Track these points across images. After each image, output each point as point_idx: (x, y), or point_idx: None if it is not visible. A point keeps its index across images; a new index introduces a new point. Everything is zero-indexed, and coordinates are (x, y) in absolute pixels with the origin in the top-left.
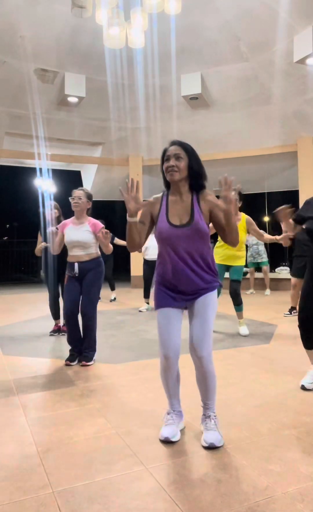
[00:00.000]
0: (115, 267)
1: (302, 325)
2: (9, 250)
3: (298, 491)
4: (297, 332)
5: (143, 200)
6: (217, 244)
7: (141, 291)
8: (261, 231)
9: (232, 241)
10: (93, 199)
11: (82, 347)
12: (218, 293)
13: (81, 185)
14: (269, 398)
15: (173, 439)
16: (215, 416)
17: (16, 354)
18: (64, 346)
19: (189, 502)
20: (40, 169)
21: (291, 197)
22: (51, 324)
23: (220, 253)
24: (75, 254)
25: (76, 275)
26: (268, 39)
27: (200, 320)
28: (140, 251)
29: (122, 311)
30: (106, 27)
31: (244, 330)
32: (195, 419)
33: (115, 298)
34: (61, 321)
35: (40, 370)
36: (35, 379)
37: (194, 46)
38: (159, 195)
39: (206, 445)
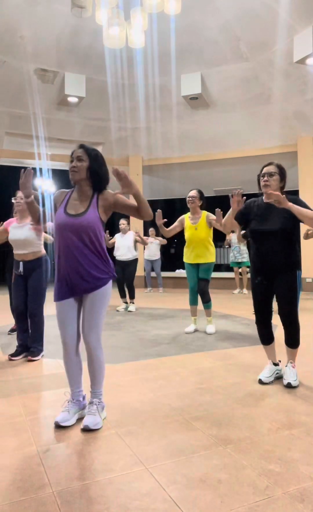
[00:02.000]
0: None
1: (259, 322)
2: (9, 250)
3: (298, 491)
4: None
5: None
6: (186, 244)
7: (138, 291)
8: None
9: (146, 213)
10: None
11: (29, 342)
12: (204, 300)
13: None
14: (269, 398)
15: (63, 424)
16: (99, 402)
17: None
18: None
19: (189, 502)
20: (40, 169)
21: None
22: (51, 323)
23: (188, 253)
24: (19, 252)
25: (21, 273)
26: (268, 39)
27: (90, 311)
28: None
29: (122, 311)
30: (106, 27)
31: (210, 328)
32: (194, 419)
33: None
34: None
35: (40, 370)
36: (35, 379)
37: (194, 46)
38: (67, 190)
39: (82, 427)
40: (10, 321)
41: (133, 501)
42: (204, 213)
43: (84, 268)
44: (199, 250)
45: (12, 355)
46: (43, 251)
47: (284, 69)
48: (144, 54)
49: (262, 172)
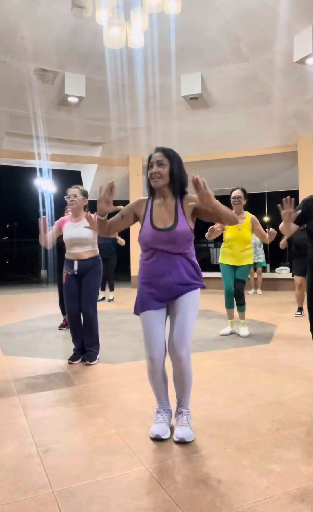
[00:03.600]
0: (121, 268)
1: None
2: (9, 250)
3: (298, 491)
4: (296, 332)
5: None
6: (223, 245)
7: None
8: (264, 232)
9: (228, 219)
10: (94, 199)
11: (85, 346)
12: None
13: (82, 185)
14: (269, 398)
15: (164, 437)
16: (188, 412)
17: (16, 354)
18: (64, 346)
19: (189, 502)
20: (40, 169)
21: (291, 197)
22: (51, 324)
23: (229, 255)
24: (74, 251)
25: (75, 273)
26: (268, 39)
27: (180, 320)
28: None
29: (122, 311)
30: (106, 27)
31: (244, 331)
32: (194, 419)
33: (113, 299)
34: None
35: (40, 370)
36: (35, 379)
37: (194, 46)
38: (145, 198)
39: (177, 439)
40: (10, 321)
41: (133, 501)
42: (249, 215)
43: (178, 275)
44: (242, 252)
45: (71, 359)
46: (98, 251)
47: (284, 69)
48: (144, 54)
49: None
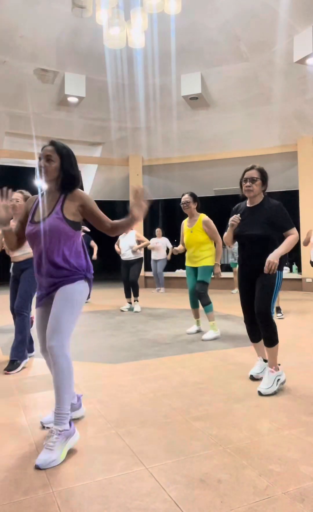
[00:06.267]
0: (115, 267)
1: (248, 322)
2: None
3: (298, 491)
4: (295, 332)
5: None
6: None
7: (142, 292)
8: (214, 235)
9: (115, 233)
10: (94, 199)
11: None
12: (204, 299)
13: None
14: (269, 398)
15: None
16: (59, 432)
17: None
18: None
19: (189, 502)
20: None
21: (291, 197)
22: None
23: (187, 256)
24: (13, 254)
25: (11, 274)
26: (268, 39)
27: (55, 312)
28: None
29: (126, 311)
30: (106, 27)
31: (208, 334)
32: (194, 419)
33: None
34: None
35: (40, 370)
36: (35, 379)
37: (194, 46)
38: (38, 195)
39: (34, 465)
40: (10, 321)
41: (133, 501)
42: (201, 216)
43: (53, 269)
44: (196, 253)
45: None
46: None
47: (284, 69)
48: (144, 54)
49: (244, 176)
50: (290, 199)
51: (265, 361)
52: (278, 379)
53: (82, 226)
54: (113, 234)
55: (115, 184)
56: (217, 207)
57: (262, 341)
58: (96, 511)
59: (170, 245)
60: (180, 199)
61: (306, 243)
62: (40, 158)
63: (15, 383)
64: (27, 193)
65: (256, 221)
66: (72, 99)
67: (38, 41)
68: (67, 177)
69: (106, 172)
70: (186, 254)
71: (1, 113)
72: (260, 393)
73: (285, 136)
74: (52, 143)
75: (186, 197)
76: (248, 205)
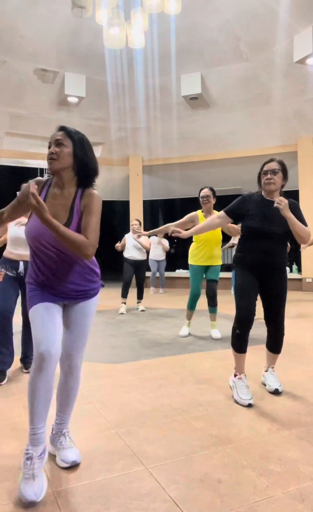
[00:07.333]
0: (116, 267)
1: (241, 327)
2: None
3: (298, 491)
4: (295, 332)
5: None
6: (194, 245)
7: (147, 290)
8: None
9: (73, 249)
10: None
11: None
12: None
13: None
14: (269, 398)
15: (38, 500)
16: (68, 431)
17: (16, 353)
18: None
19: (189, 502)
20: (40, 169)
21: (291, 197)
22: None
23: (197, 255)
24: (20, 252)
25: (21, 274)
26: (268, 39)
27: (79, 328)
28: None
29: (125, 313)
30: (106, 27)
31: (216, 333)
32: (194, 419)
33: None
34: None
35: None
36: None
37: (194, 46)
38: (44, 179)
39: (67, 465)
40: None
41: (133, 501)
42: (218, 214)
43: (73, 274)
44: (213, 251)
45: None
46: None
47: (284, 69)
48: (144, 54)
49: (264, 169)
50: (291, 205)
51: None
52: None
53: None
54: (87, 258)
55: (115, 184)
56: (217, 207)
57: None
58: (96, 511)
59: (167, 246)
60: (180, 199)
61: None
62: (49, 146)
63: (15, 383)
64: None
65: (276, 217)
66: (72, 99)
67: (38, 41)
68: (82, 167)
69: (106, 172)
70: (197, 252)
71: (1, 113)
72: (277, 391)
73: (285, 136)
74: (62, 128)
75: (206, 191)
76: (266, 197)
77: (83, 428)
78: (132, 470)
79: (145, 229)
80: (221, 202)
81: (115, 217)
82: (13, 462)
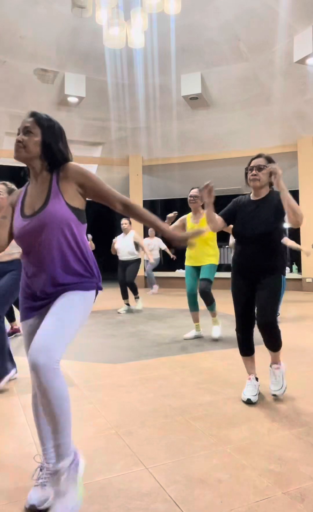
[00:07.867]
0: (115, 267)
1: (238, 330)
2: None
3: (298, 491)
4: (295, 332)
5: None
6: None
7: (142, 292)
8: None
9: (115, 209)
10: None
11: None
12: (209, 298)
13: None
14: (269, 398)
15: (40, 507)
16: (68, 467)
17: (15, 354)
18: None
19: (189, 502)
20: None
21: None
22: None
23: (189, 255)
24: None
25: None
26: (268, 39)
27: (55, 319)
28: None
29: (123, 313)
30: (106, 27)
31: (216, 331)
32: (194, 419)
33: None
34: (18, 324)
35: None
36: None
37: (194, 46)
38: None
39: None
40: None
41: (133, 501)
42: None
43: (58, 272)
44: (201, 251)
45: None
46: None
47: (284, 69)
48: (144, 54)
49: (250, 165)
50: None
51: (257, 379)
52: (283, 373)
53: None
54: (130, 216)
55: (115, 184)
56: (217, 207)
57: (254, 355)
58: (96, 511)
59: (163, 246)
60: (180, 199)
61: None
62: (18, 133)
63: (15, 383)
64: (11, 185)
65: (260, 217)
66: (72, 99)
67: (38, 41)
68: (50, 156)
69: (106, 172)
70: (187, 253)
71: (1, 113)
72: (275, 397)
73: (285, 136)
74: (33, 114)
75: (195, 191)
76: (252, 198)
77: (83, 428)
78: (132, 470)
79: (145, 229)
80: (221, 202)
81: (115, 217)
82: (13, 462)
